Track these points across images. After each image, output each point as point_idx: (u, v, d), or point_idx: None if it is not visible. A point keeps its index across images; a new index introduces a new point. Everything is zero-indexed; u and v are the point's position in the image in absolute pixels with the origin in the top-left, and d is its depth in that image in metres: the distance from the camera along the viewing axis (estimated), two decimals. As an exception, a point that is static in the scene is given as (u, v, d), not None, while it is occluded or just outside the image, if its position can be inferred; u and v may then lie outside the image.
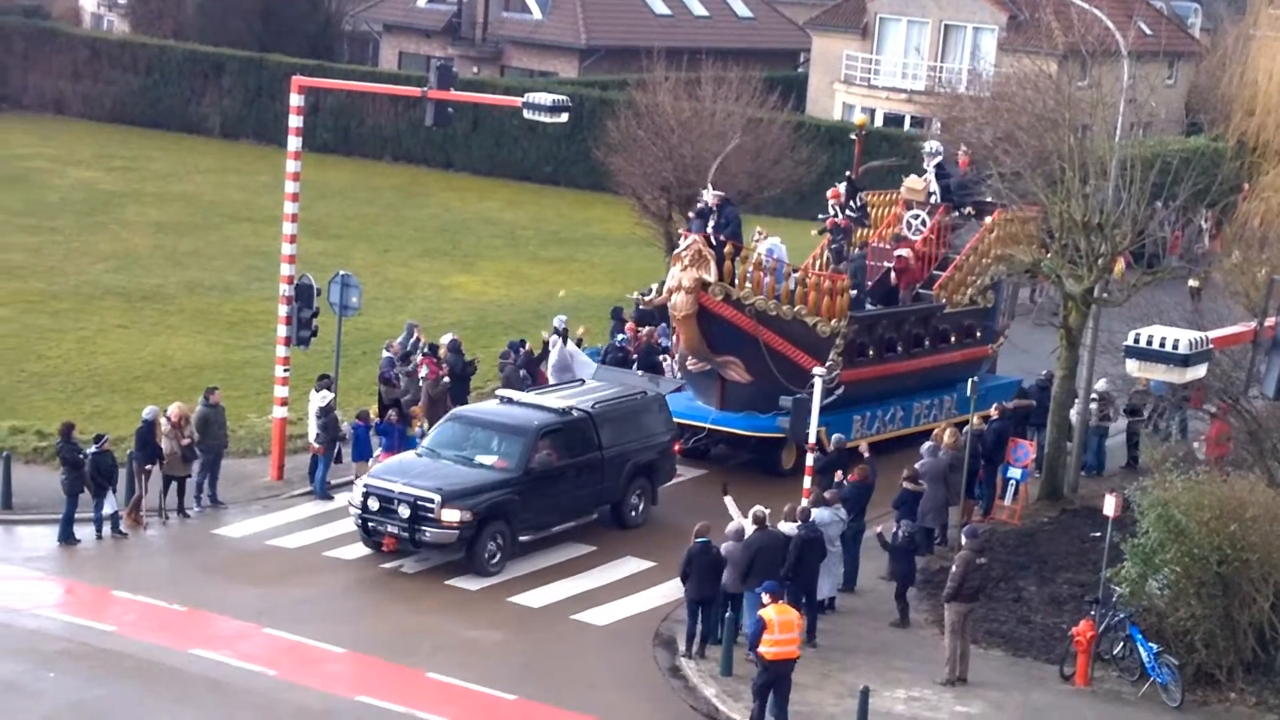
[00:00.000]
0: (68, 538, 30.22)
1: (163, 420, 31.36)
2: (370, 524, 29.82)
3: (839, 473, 30.97)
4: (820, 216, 39.46)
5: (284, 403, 34.02)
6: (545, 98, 33.09)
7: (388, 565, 30.15)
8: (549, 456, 30.56)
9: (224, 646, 26.27)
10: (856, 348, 36.18)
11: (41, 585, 28.64)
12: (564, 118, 33.61)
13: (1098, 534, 31.28)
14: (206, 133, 76.84)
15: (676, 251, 34.73)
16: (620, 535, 32.05)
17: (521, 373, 37.34)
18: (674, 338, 37.24)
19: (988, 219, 39.67)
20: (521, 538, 30.39)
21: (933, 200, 40.17)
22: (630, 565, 31.02)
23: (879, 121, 71.98)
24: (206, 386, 33.60)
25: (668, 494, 33.69)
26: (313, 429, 33.74)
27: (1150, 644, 26.77)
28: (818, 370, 30.67)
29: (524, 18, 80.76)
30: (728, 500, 28.87)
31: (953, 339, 39.18)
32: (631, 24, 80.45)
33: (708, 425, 35.75)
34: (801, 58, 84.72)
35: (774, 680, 24.20)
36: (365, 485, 29.91)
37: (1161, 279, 38.30)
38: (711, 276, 33.90)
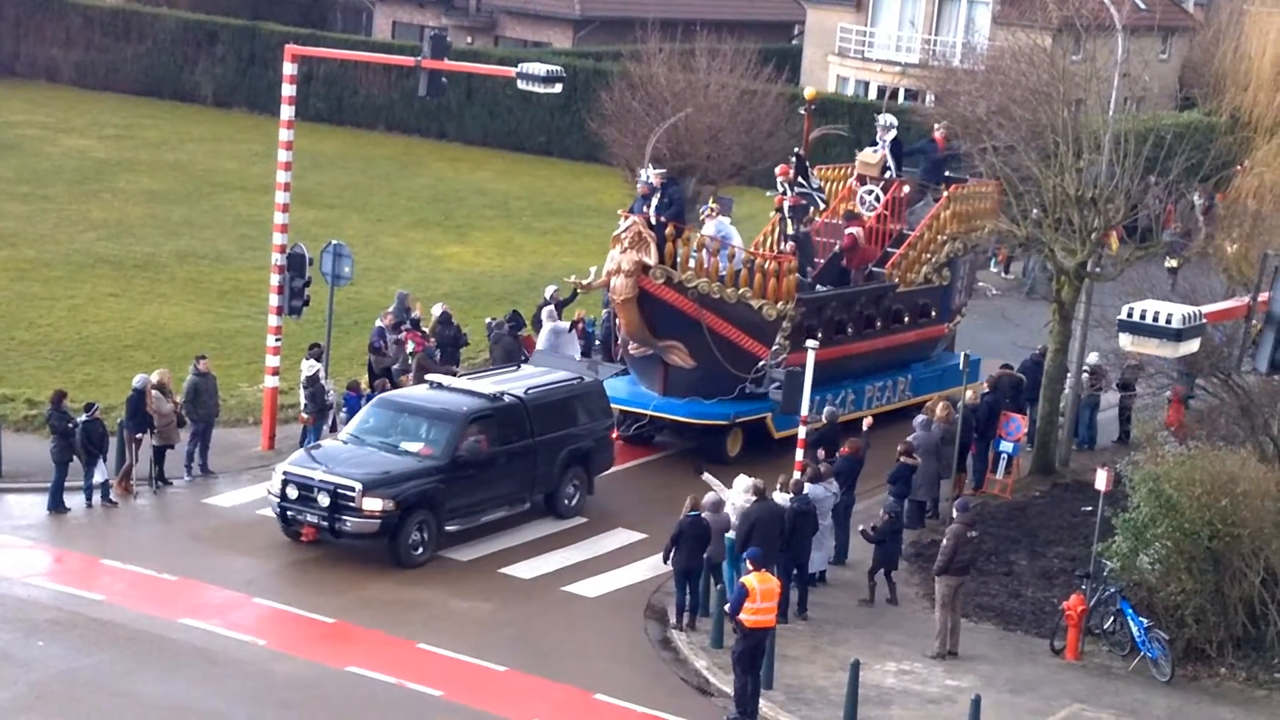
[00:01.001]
0: (57, 506, 30.17)
1: (152, 390, 31.30)
2: (289, 513, 28.78)
3: (820, 451, 31.09)
4: (769, 194, 38.00)
5: (275, 372, 33.97)
6: (539, 68, 33.00)
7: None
8: (478, 444, 29.51)
9: (214, 616, 26.26)
10: (804, 330, 34.67)
11: (31, 554, 28.60)
12: (558, 88, 33.52)
13: (1089, 508, 31.29)
14: (199, 101, 76.64)
15: (615, 233, 33.63)
16: (612, 507, 31.99)
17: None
18: (615, 321, 35.98)
19: (945, 194, 39.09)
20: (449, 527, 29.47)
21: (887, 175, 39.35)
22: (621, 537, 31.01)
23: (872, 94, 71.87)
24: (196, 355, 33.55)
25: (653, 467, 33.72)
26: (302, 399, 33.71)
27: (1141, 619, 26.81)
28: (811, 343, 30.37)
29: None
30: (707, 476, 28.90)
31: (906, 319, 38.38)
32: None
33: (648, 412, 34.93)
34: (796, 30, 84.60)
35: (753, 648, 24.20)
36: (284, 473, 28.85)
37: (1154, 253, 38.26)
38: (652, 259, 33.02)
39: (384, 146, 70.08)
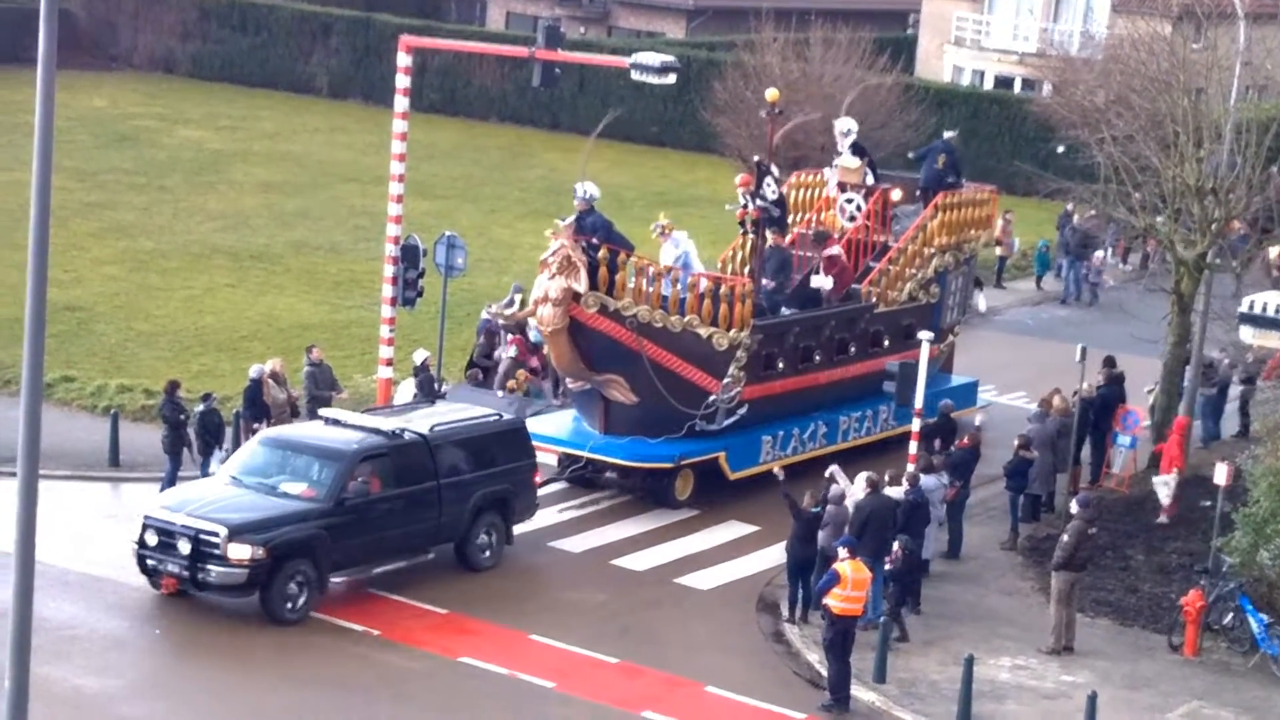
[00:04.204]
0: (173, 496, 30.34)
1: (268, 379, 31.53)
2: (150, 561, 25.70)
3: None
4: (728, 207, 35.41)
5: (389, 363, 34.11)
6: (653, 58, 32.92)
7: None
8: (366, 485, 26.41)
9: (328, 607, 26.38)
10: (763, 360, 32.26)
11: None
12: (671, 79, 33.40)
13: (1208, 503, 30.87)
14: (314, 92, 77.20)
15: (543, 258, 30.43)
16: (724, 499, 31.84)
17: None
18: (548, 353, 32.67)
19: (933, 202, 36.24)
20: (335, 579, 26.48)
21: (869, 182, 36.52)
22: (734, 529, 30.92)
23: (989, 84, 71.32)
24: (307, 345, 33.74)
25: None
26: (411, 388, 33.85)
27: (1261, 615, 26.44)
28: (925, 334, 29.82)
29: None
30: (835, 469, 28.64)
31: (887, 341, 34.98)
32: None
33: (585, 454, 31.67)
34: (911, 19, 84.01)
35: (841, 634, 24.14)
36: (144, 517, 25.79)
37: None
38: (582, 286, 29.76)
39: (497, 137, 70.30)
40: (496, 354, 36.01)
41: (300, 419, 31.88)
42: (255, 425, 31.30)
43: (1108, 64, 47.31)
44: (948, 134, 39.02)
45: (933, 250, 35.93)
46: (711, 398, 31.31)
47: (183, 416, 30.63)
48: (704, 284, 31.41)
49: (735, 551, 29.96)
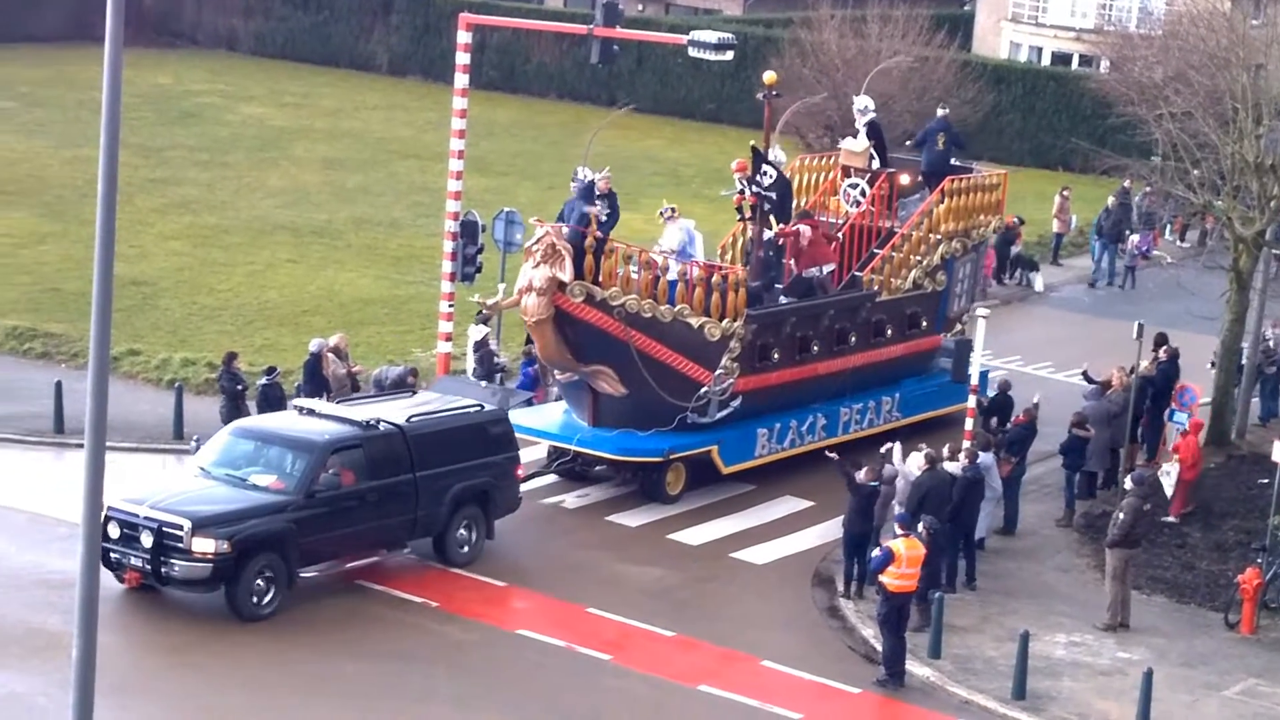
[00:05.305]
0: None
1: (328, 353, 31.79)
2: (113, 555, 24.69)
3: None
4: (724, 193, 34.69)
5: (448, 338, 34.37)
6: (710, 35, 33.04)
7: (548, 500, 30.41)
8: (337, 477, 25.64)
9: (386, 579, 26.66)
10: (758, 351, 31.24)
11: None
12: (729, 55, 33.53)
13: (1265, 480, 30.85)
14: (375, 70, 77.41)
15: (527, 245, 29.77)
16: (778, 475, 31.92)
17: None
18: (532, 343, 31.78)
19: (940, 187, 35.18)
20: (304, 573, 25.60)
21: (874, 166, 35.35)
22: (789, 504, 31.04)
23: (1045, 60, 71.05)
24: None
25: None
26: (471, 364, 34.09)
27: (1318, 593, 26.43)
28: (982, 311, 29.73)
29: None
30: (895, 445, 28.72)
31: (890, 331, 33.97)
32: (798, -39, 79.92)
33: (571, 447, 30.94)
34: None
35: (896, 609, 24.30)
36: (107, 509, 24.21)
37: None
38: (567, 275, 28.92)
39: (555, 114, 70.40)
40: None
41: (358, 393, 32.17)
42: (316, 399, 31.58)
43: (1166, 40, 47.03)
44: (941, 111, 38.10)
45: (939, 236, 34.78)
46: (703, 389, 30.34)
47: (240, 388, 30.91)
48: (695, 272, 30.46)
49: (790, 527, 30.09)
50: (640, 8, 79.28)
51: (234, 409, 30.57)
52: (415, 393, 29.68)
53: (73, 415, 31.39)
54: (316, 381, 31.57)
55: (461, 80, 33.94)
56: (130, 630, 24.22)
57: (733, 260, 33.62)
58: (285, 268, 43.98)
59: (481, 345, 33.72)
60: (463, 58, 33.89)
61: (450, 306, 34.33)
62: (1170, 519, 30.87)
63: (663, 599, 26.82)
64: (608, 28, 33.32)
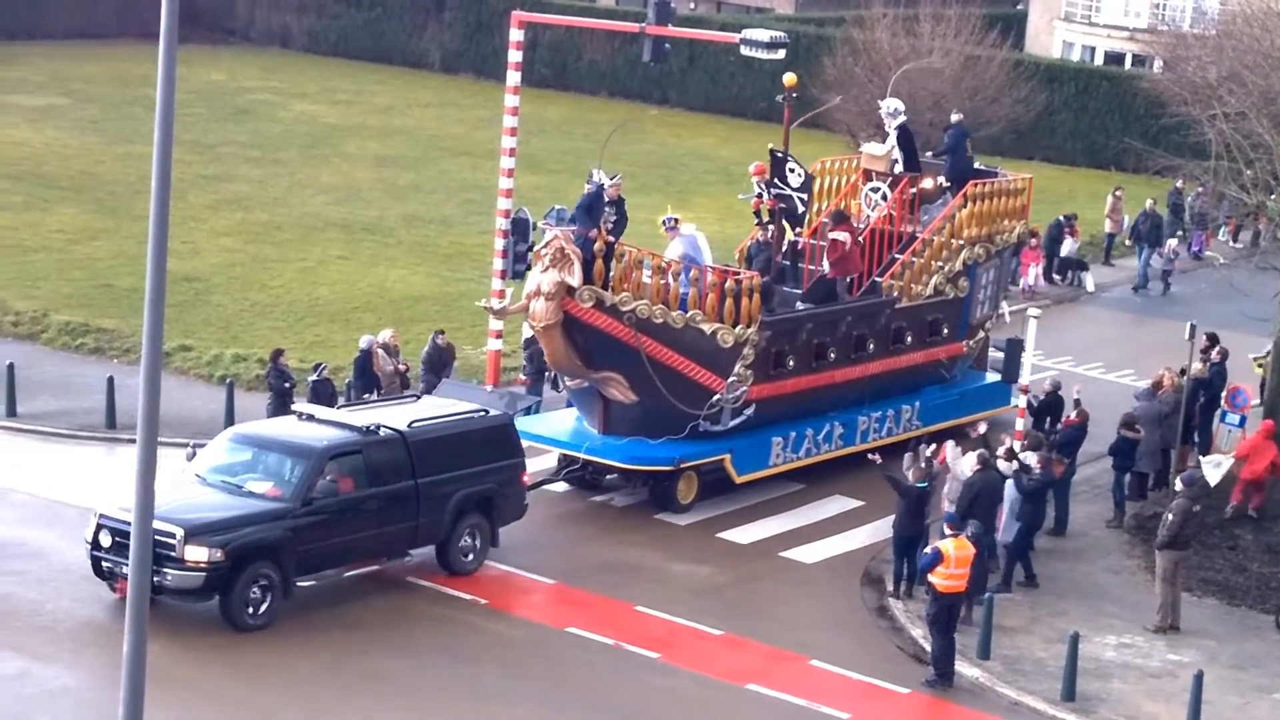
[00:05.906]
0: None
1: (378, 349, 31.88)
2: (105, 563, 24.51)
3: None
4: (741, 197, 34.32)
5: (499, 335, 34.43)
6: (762, 34, 33.03)
7: (597, 498, 30.46)
8: (335, 484, 25.14)
9: (436, 576, 26.72)
10: (772, 358, 30.70)
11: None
12: (781, 54, 33.49)
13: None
14: (427, 67, 77.59)
15: (536, 249, 29.45)
16: (828, 475, 31.86)
17: None
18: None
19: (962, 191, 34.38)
20: (301, 582, 25.09)
21: (896, 170, 34.68)
22: (839, 504, 31.01)
23: (1098, 60, 70.77)
24: (434, 330, 33.92)
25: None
26: (523, 361, 34.15)
27: (1370, 597, 26.27)
28: (1034, 312, 29.65)
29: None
30: (950, 444, 28.59)
31: (910, 338, 33.32)
32: (850, -41, 79.75)
33: (580, 455, 30.25)
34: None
35: (945, 609, 24.24)
36: (99, 516, 24.50)
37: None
38: (576, 280, 28.44)
39: (607, 112, 70.35)
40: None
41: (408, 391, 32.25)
42: (365, 395, 31.70)
43: (1220, 40, 46.72)
44: (956, 116, 37.49)
45: (961, 242, 33.99)
46: (716, 397, 29.81)
47: (288, 384, 31.01)
48: (709, 278, 29.91)
49: (839, 526, 30.05)
50: (692, 6, 79.27)
51: (281, 405, 30.63)
52: (419, 397, 29.00)
53: (125, 410, 31.59)
54: (367, 378, 31.68)
55: (513, 78, 34.00)
56: (175, 626, 24.30)
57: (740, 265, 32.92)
58: (336, 264, 44.13)
59: (531, 343, 33.75)
60: (515, 55, 33.96)
61: (501, 304, 34.33)
62: (1250, 512, 30.87)
63: (711, 597, 26.82)
64: (660, 26, 33.35)
